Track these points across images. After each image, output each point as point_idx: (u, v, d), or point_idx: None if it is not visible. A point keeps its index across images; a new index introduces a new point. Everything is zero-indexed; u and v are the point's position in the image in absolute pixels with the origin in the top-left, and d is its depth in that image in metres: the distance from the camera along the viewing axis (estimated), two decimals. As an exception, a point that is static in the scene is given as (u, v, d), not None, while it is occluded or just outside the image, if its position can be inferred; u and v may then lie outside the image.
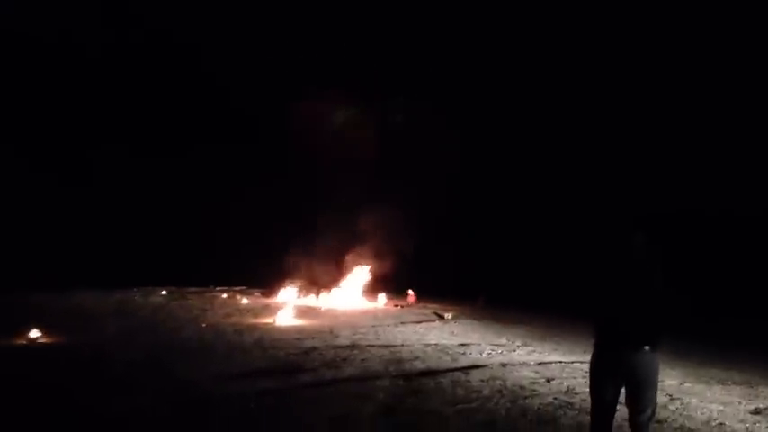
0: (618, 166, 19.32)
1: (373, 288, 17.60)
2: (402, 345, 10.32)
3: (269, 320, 12.62)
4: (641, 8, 19.59)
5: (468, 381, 7.85)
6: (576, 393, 7.20)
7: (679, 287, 5.01)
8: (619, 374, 4.55)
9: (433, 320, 13.68)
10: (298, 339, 10.48)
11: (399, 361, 8.96)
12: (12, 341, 9.59)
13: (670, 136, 19.17)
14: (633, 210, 17.45)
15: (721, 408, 7.06)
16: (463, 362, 9.09)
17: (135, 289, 16.66)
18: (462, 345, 10.50)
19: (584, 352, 4.59)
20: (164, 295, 16.18)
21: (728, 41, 18.25)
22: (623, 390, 4.64)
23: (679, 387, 8.07)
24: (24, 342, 9.56)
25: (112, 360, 8.49)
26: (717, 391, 7.97)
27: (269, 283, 17.30)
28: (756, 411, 7.00)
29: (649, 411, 4.58)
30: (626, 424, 4.86)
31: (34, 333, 9.78)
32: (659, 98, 19.38)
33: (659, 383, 7.82)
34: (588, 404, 4.97)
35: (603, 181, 19.30)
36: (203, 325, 11.84)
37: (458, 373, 8.25)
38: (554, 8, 20.62)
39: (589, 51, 20.20)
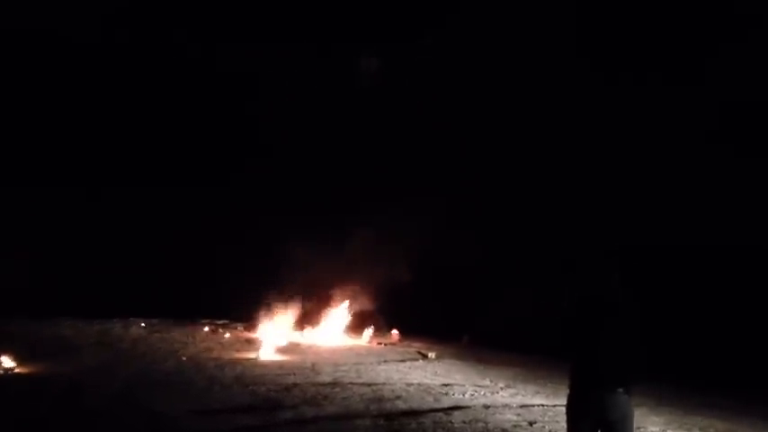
0: (598, 203, 19.37)
1: (356, 325, 17.49)
2: (384, 383, 10.22)
3: (251, 355, 12.49)
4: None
5: (450, 422, 7.78)
6: (558, 437, 7.17)
7: (652, 331, 4.98)
8: (593, 416, 4.53)
9: (417, 359, 13.58)
10: (279, 375, 10.37)
11: (381, 400, 8.87)
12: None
13: (645, 169, 19.25)
14: (608, 249, 17.48)
15: (703, 456, 7.03)
16: (445, 402, 9.01)
17: (115, 320, 16.46)
18: (445, 385, 10.42)
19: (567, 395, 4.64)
20: (144, 327, 15.99)
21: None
22: None
23: (661, 434, 8.03)
24: (-1, 371, 9.40)
25: (89, 392, 8.35)
26: (699, 439, 7.95)
27: (252, 318, 17.14)
28: (738, 460, 6.98)
29: None
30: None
31: (9, 362, 9.61)
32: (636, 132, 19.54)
33: (641, 429, 7.85)
34: (569, 449, 4.93)
35: (579, 217, 19.35)
36: (183, 358, 11.70)
37: (440, 414, 8.17)
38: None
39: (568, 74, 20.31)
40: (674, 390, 11.74)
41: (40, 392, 8.30)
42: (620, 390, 4.49)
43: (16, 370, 9.54)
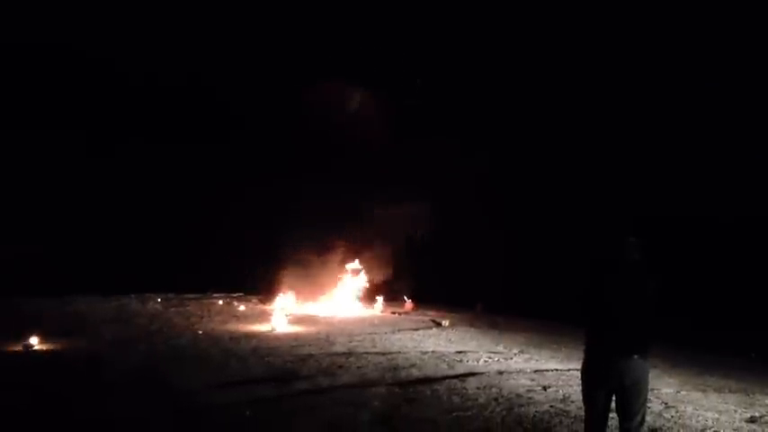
0: (615, 171, 19.28)
1: (370, 295, 17.59)
2: (398, 352, 10.31)
3: (266, 328, 12.60)
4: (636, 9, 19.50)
5: (465, 388, 7.85)
6: (572, 401, 7.20)
7: (672, 296, 4.99)
8: (609, 381, 4.56)
9: (431, 328, 13.66)
10: (294, 347, 10.47)
11: (395, 368, 8.95)
12: (8, 347, 9.58)
13: (669, 139, 19.09)
14: (628, 215, 17.42)
15: (717, 416, 7.05)
16: (460, 369, 9.08)
17: (132, 295, 16.65)
18: (459, 352, 10.49)
19: (581, 360, 4.61)
20: (161, 302, 16.16)
21: (726, 47, 18.24)
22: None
23: (675, 395, 8.06)
24: (20, 348, 9.53)
25: (108, 368, 8.48)
26: (713, 400, 7.97)
27: (266, 290, 17.27)
28: (752, 420, 6.99)
29: (639, 418, 4.59)
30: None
31: (30, 339, 9.76)
32: (657, 101, 19.34)
33: (655, 391, 7.90)
34: (584, 412, 4.97)
35: (600, 186, 19.26)
36: (200, 332, 11.83)
37: (454, 381, 8.24)
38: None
39: (587, 52, 20.14)
40: (687, 352, 11.77)
41: (61, 368, 8.43)
42: (636, 356, 4.51)
43: (37, 347, 9.68)
